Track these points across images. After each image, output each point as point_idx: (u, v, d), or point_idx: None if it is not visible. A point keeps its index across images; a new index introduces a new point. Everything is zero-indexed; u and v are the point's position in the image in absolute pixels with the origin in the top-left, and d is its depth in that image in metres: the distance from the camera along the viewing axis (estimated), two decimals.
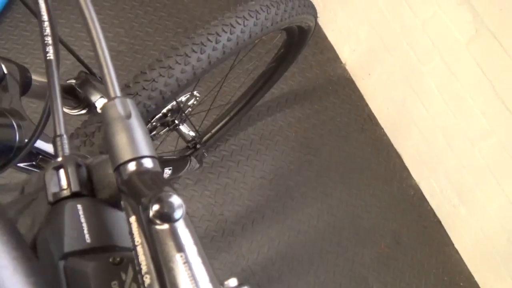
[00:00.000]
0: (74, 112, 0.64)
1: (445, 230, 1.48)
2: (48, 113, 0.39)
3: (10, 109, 0.44)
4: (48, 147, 0.46)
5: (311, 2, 0.87)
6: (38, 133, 0.39)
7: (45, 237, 0.24)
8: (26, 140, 0.42)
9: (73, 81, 0.61)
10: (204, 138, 1.28)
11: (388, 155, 1.54)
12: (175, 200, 0.19)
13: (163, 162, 0.81)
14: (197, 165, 1.06)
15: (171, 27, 1.53)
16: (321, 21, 1.61)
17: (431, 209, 1.50)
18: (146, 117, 0.67)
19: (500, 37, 0.99)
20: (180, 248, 0.18)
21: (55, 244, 0.23)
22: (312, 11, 0.87)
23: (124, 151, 0.23)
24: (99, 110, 0.60)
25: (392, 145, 1.55)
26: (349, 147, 1.51)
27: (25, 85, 0.51)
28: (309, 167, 1.45)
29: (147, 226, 0.19)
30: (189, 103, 0.97)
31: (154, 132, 0.90)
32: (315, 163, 1.46)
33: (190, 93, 0.93)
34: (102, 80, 0.65)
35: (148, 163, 0.23)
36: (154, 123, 0.88)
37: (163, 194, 0.19)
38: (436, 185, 1.44)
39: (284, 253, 1.33)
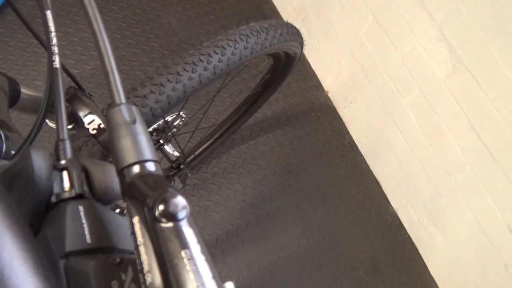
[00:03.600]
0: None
1: (421, 258, 1.50)
2: (39, 126, 0.39)
3: None
4: None
5: (298, 30, 0.90)
6: (27, 145, 0.38)
7: (46, 236, 0.24)
8: (13, 152, 0.41)
9: None
10: (188, 159, 1.28)
11: (367, 182, 1.57)
12: (180, 200, 0.20)
13: None
14: (180, 186, 1.05)
15: (157, 49, 1.55)
16: (305, 49, 1.66)
17: (409, 236, 1.52)
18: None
19: (475, 73, 1.05)
20: (184, 245, 0.19)
21: (56, 243, 0.23)
22: (299, 38, 0.90)
23: (128, 155, 0.23)
24: (86, 126, 0.59)
25: (371, 172, 1.58)
26: (329, 173, 1.53)
27: (14, 98, 0.51)
28: (290, 192, 1.46)
29: (152, 224, 0.19)
30: (175, 123, 0.97)
31: None
32: (296, 188, 1.47)
33: (176, 113, 0.93)
34: (91, 96, 0.65)
35: (151, 166, 0.23)
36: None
37: (168, 194, 0.19)
38: (413, 213, 1.47)
39: (263, 279, 1.31)
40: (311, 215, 1.45)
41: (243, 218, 1.37)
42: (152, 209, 0.19)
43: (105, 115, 0.26)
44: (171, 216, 0.19)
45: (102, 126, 0.58)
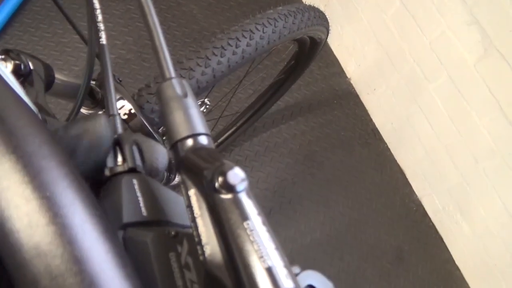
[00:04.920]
0: (91, 112, 0.64)
1: (446, 247, 1.48)
2: (78, 109, 0.40)
3: (36, 103, 0.44)
4: None
5: (324, 15, 0.88)
6: None
7: (104, 208, 0.24)
8: None
9: (93, 82, 0.61)
10: None
11: (391, 170, 1.54)
12: (239, 171, 0.19)
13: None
14: None
15: (179, 37, 1.55)
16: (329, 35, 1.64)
17: (433, 225, 1.50)
18: (158, 122, 0.67)
19: (509, 58, 1.01)
20: (245, 216, 0.18)
21: (113, 215, 0.23)
22: (325, 23, 0.89)
23: (181, 128, 0.23)
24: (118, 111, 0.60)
25: (395, 161, 1.55)
26: (352, 161, 1.52)
27: (48, 83, 0.52)
28: (312, 180, 1.45)
29: (211, 196, 0.19)
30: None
31: (164, 138, 0.90)
32: (318, 176, 1.46)
33: (202, 100, 0.93)
34: (121, 82, 0.65)
35: (203, 140, 0.23)
36: (164, 128, 0.88)
37: (227, 165, 0.19)
38: (438, 202, 1.44)
39: None
40: (333, 203, 1.44)
41: (266, 206, 1.37)
42: (211, 181, 0.19)
43: (156, 90, 0.26)
44: (231, 188, 0.19)
45: (132, 111, 0.58)
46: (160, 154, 0.30)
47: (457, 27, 1.11)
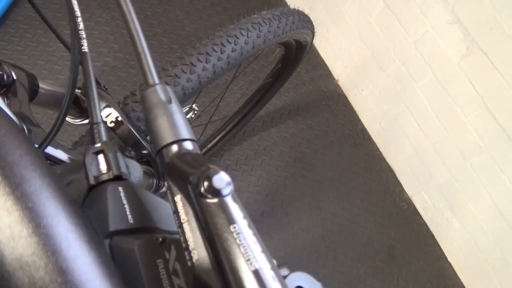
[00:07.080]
0: (77, 121, 0.64)
1: (438, 244, 1.49)
2: (63, 119, 0.39)
3: (20, 113, 0.44)
4: (58, 153, 0.46)
5: (309, 18, 0.89)
6: (51, 137, 0.39)
7: (88, 217, 0.24)
8: (36, 145, 0.42)
9: (78, 90, 0.61)
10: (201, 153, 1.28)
11: (381, 170, 1.56)
12: (224, 176, 0.19)
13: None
14: None
15: (166, 43, 1.55)
16: (314, 38, 1.65)
17: (424, 223, 1.51)
18: (146, 129, 0.67)
19: (490, 55, 1.03)
20: (232, 220, 0.19)
21: (99, 224, 0.23)
22: (310, 26, 0.90)
23: (166, 135, 0.23)
24: (104, 119, 0.59)
25: (384, 160, 1.57)
26: (342, 162, 1.52)
27: (33, 92, 0.51)
28: (303, 182, 1.46)
29: (197, 201, 0.19)
30: (187, 116, 0.97)
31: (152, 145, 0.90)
32: (309, 178, 1.47)
33: (189, 106, 0.93)
34: (107, 90, 0.65)
35: (189, 145, 0.23)
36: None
37: (212, 170, 0.19)
38: (428, 199, 1.46)
39: None
40: (325, 204, 1.44)
41: (258, 209, 1.37)
42: (197, 186, 0.19)
43: (140, 96, 0.26)
44: (217, 192, 0.19)
45: (119, 119, 0.58)
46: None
47: (440, 26, 1.12)
